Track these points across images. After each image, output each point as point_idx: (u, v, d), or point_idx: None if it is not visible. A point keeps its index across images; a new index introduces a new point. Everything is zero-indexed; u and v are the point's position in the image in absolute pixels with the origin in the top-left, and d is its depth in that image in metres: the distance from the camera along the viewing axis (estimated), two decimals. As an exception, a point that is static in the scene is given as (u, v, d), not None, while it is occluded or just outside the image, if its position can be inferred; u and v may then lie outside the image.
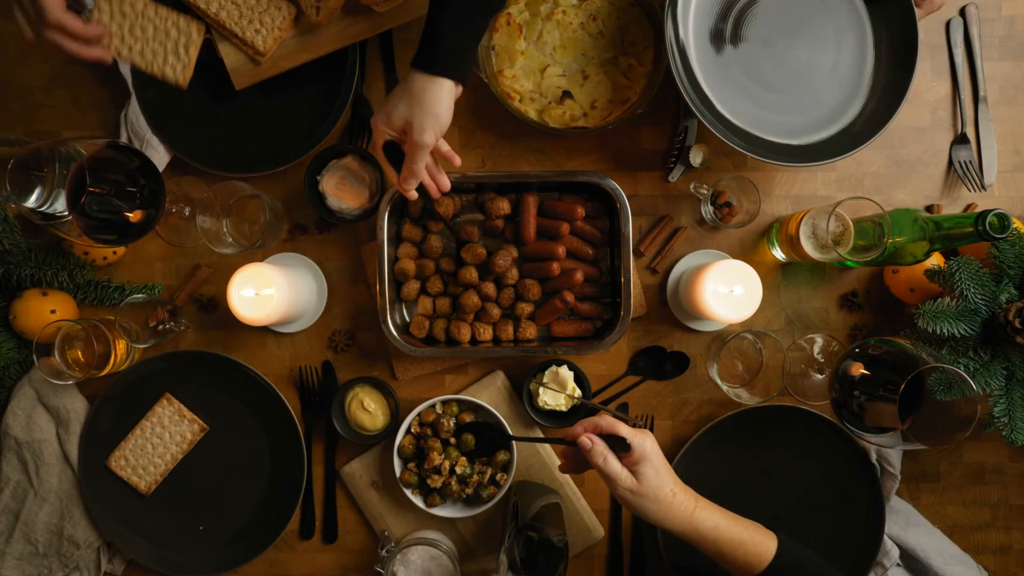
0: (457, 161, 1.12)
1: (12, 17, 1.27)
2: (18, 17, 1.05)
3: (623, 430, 0.98)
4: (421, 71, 1.02)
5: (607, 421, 0.99)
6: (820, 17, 1.20)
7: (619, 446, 0.97)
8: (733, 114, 1.19)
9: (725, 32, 1.18)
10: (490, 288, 1.24)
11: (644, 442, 0.98)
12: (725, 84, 1.18)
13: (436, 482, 1.23)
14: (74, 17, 1.05)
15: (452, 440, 1.23)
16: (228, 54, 1.21)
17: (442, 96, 1.02)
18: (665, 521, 0.98)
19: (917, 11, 1.17)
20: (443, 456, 1.22)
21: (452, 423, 1.24)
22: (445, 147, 1.11)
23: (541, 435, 1.29)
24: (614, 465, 0.97)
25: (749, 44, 1.19)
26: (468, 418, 1.25)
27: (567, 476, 1.28)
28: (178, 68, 1.17)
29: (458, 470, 1.22)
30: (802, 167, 1.26)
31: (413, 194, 1.11)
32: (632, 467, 0.97)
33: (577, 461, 1.03)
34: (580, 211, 1.24)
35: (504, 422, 1.23)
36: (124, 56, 1.17)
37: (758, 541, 0.99)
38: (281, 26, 1.18)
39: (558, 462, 1.28)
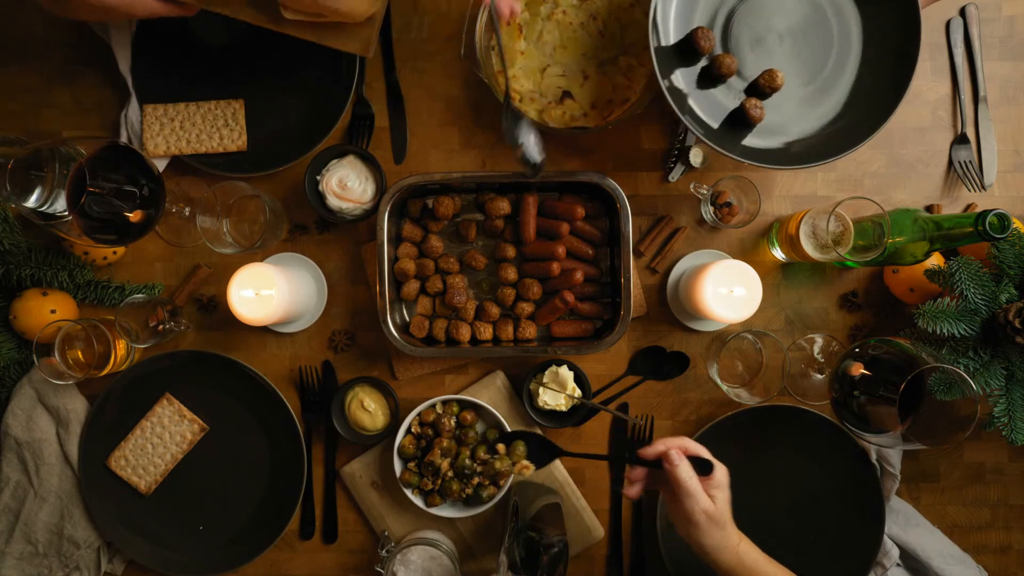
0: None
1: (12, 17, 1.28)
2: None
3: (706, 452, 1.00)
4: None
5: (692, 443, 1.00)
6: (812, 15, 1.16)
7: (700, 468, 0.98)
8: (715, 119, 1.16)
9: (714, 38, 1.14)
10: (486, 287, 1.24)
11: (722, 469, 1.00)
12: (713, 87, 1.16)
13: (431, 484, 1.23)
14: None
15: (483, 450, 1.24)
16: None
17: None
18: (720, 549, 0.99)
19: None
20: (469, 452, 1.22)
21: (452, 422, 1.24)
22: None
23: (540, 433, 1.29)
24: (697, 484, 0.97)
25: (738, 46, 1.16)
26: (469, 417, 1.25)
27: (567, 476, 1.28)
28: (234, 137, 1.25)
29: (498, 465, 1.20)
30: (794, 169, 1.23)
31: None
32: (709, 491, 0.98)
33: (646, 483, 1.03)
34: (580, 211, 1.24)
35: (504, 422, 1.23)
36: (185, 150, 1.24)
37: None
38: None
39: (558, 462, 1.29)
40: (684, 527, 0.99)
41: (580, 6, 1.23)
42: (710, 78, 1.15)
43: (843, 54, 1.17)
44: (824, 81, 1.17)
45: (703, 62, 1.15)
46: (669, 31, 1.15)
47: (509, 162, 1.29)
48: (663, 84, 1.11)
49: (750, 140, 1.16)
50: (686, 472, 0.97)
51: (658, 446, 0.99)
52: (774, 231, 1.28)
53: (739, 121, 1.15)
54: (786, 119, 1.17)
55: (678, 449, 0.98)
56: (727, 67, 1.12)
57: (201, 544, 1.30)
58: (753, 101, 1.12)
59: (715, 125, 1.15)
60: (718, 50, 1.15)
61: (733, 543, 0.99)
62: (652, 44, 1.11)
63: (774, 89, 1.13)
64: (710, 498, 0.97)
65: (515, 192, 1.25)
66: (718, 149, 1.12)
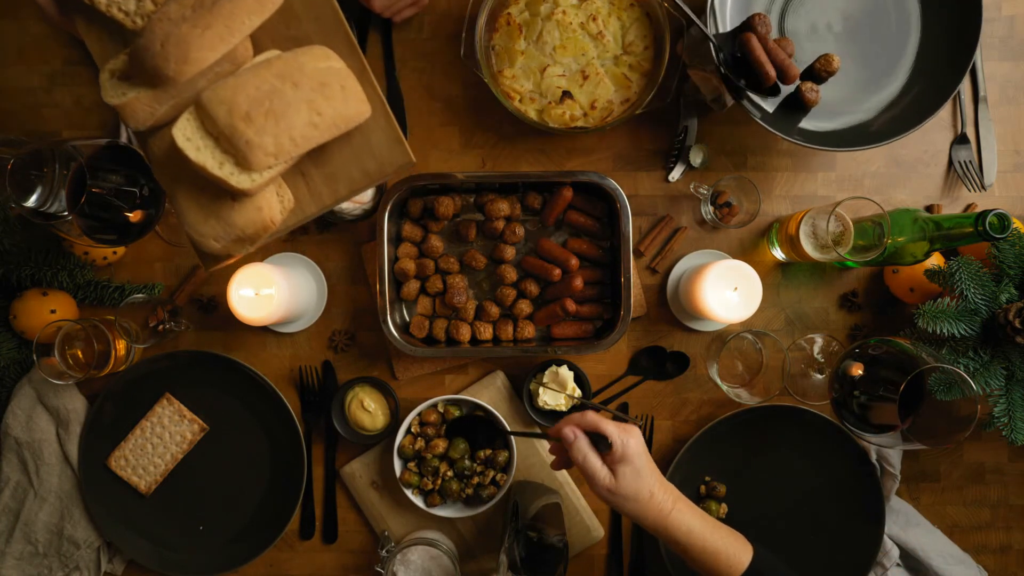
0: None
1: (12, 17, 1.28)
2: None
3: (607, 428, 0.97)
4: None
5: (592, 418, 0.98)
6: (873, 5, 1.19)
7: (602, 444, 0.98)
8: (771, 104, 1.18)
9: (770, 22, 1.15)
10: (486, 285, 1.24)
11: (628, 442, 0.97)
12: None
13: (431, 484, 1.23)
14: None
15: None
16: None
17: None
18: (639, 519, 0.98)
19: None
20: (445, 454, 1.22)
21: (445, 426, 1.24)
22: None
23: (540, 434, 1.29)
24: (593, 462, 0.97)
25: (793, 31, 1.17)
26: (456, 413, 1.25)
27: (567, 476, 1.28)
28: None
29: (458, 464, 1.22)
30: (840, 151, 1.24)
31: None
32: (613, 466, 0.97)
33: (565, 457, 1.03)
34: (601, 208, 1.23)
35: (502, 419, 1.23)
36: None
37: (732, 552, 0.98)
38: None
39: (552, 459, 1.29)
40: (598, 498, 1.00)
41: (580, 6, 1.23)
42: None
43: (901, 37, 1.19)
44: (881, 64, 1.19)
45: None
46: (727, 17, 1.16)
47: (509, 162, 1.30)
48: (721, 69, 1.11)
49: (806, 123, 1.18)
50: (579, 453, 0.97)
51: (561, 422, 1.00)
52: (774, 231, 1.28)
53: (795, 105, 1.16)
54: (843, 102, 1.19)
55: (575, 427, 0.98)
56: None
57: (201, 544, 1.30)
58: (809, 85, 1.13)
59: (771, 109, 1.16)
60: (774, 36, 1.15)
61: (657, 513, 0.97)
62: (710, 31, 1.11)
63: (830, 73, 1.14)
64: (614, 472, 0.96)
65: (513, 192, 1.25)
66: (776, 132, 1.12)
